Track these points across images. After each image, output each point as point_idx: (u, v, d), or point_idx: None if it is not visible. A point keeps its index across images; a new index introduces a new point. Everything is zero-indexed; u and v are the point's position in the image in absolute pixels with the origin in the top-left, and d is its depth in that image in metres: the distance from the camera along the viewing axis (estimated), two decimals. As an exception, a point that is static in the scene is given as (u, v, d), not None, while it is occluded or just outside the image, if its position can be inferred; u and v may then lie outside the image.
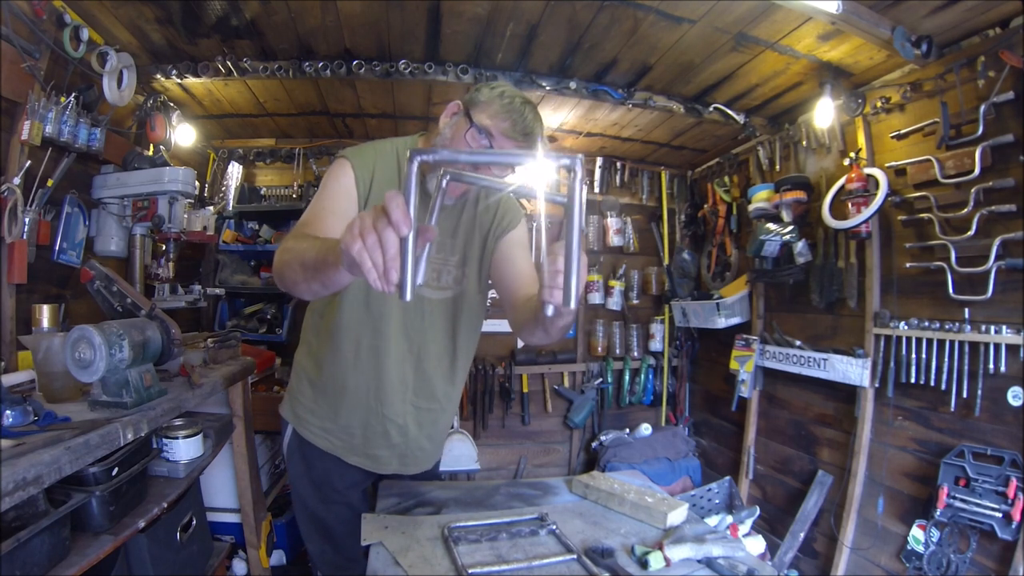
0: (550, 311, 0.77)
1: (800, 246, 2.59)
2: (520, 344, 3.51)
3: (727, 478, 3.03)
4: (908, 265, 2.14)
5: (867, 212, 2.18)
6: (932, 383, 2.01)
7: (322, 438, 1.39)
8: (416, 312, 1.31)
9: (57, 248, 1.93)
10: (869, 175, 2.22)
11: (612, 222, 3.59)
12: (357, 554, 1.36)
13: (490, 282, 1.41)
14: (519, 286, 1.28)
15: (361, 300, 1.28)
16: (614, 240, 3.59)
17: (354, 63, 2.35)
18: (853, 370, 2.32)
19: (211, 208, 3.00)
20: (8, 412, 1.06)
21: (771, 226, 2.65)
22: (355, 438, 1.38)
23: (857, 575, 2.29)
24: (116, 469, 1.26)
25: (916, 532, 2.04)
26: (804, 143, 2.70)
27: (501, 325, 3.12)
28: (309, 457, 1.41)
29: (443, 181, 0.80)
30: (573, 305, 0.68)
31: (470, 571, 0.95)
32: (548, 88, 2.50)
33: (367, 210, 0.67)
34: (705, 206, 3.51)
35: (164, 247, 2.46)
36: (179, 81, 2.40)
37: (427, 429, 1.42)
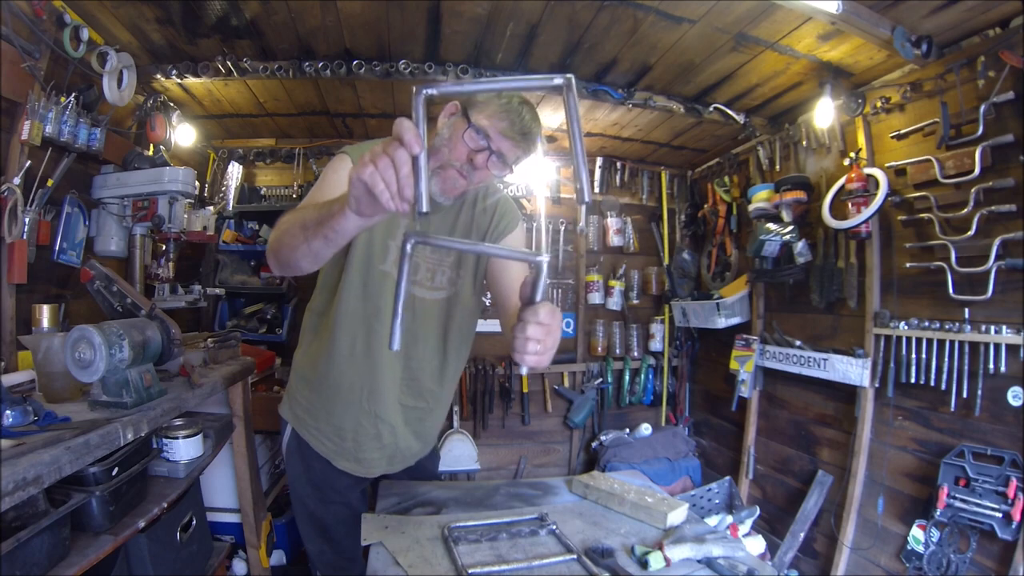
0: (524, 371, 0.80)
1: (800, 246, 2.59)
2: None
3: (727, 478, 3.03)
4: (908, 265, 2.14)
5: (867, 212, 2.18)
6: (932, 383, 2.01)
7: (316, 439, 1.39)
8: (407, 311, 1.31)
9: (57, 248, 1.93)
10: (869, 175, 2.22)
11: (612, 222, 3.59)
12: (356, 554, 1.37)
13: (484, 282, 1.41)
14: (512, 292, 1.25)
15: (358, 297, 1.28)
16: (614, 240, 3.59)
17: (354, 63, 2.35)
18: (853, 370, 2.32)
19: (211, 208, 3.00)
20: (8, 412, 1.06)
21: (771, 226, 2.65)
22: (346, 441, 1.37)
23: (857, 575, 2.29)
24: (116, 469, 1.26)
25: (916, 532, 2.04)
26: (804, 143, 2.70)
27: (501, 325, 3.14)
28: (308, 457, 1.41)
29: (407, 245, 0.75)
30: (587, 199, 0.70)
31: (470, 571, 0.95)
32: (548, 88, 2.49)
33: (405, 122, 0.67)
34: (705, 206, 3.51)
35: (164, 247, 2.46)
36: (179, 81, 2.40)
37: (414, 427, 1.42)
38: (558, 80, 0.68)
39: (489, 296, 1.42)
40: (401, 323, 0.75)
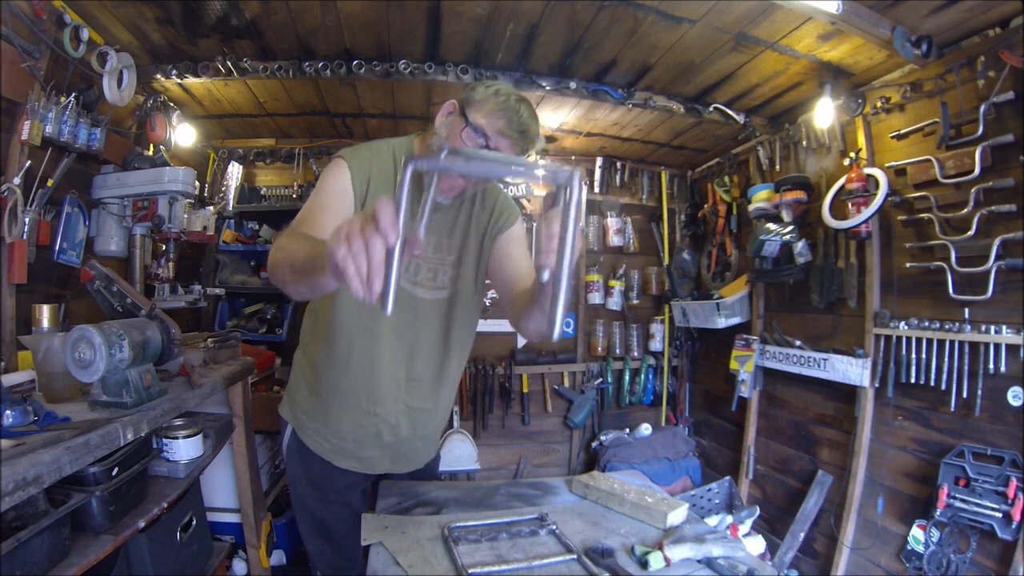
0: (545, 276, 0.75)
1: (800, 246, 2.59)
2: (520, 344, 3.51)
3: (727, 478, 3.03)
4: (908, 265, 2.14)
5: (867, 212, 2.18)
6: (932, 383, 2.01)
7: (315, 440, 1.39)
8: (409, 312, 1.31)
9: (57, 248, 1.93)
10: (869, 175, 2.22)
11: (612, 222, 3.59)
12: (356, 554, 1.37)
13: (488, 281, 1.41)
14: (517, 281, 1.27)
15: (355, 300, 1.28)
16: (614, 240, 3.59)
17: (354, 63, 2.35)
18: (853, 370, 2.32)
19: (211, 208, 2.99)
20: (8, 412, 1.05)
21: (771, 226, 2.65)
22: (346, 441, 1.37)
23: (857, 575, 2.29)
24: (116, 469, 1.26)
25: (916, 532, 2.04)
26: (804, 143, 2.70)
27: (501, 325, 3.15)
28: (308, 457, 1.41)
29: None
30: (555, 335, 0.67)
31: (470, 571, 0.95)
32: (548, 88, 2.50)
33: (358, 213, 0.64)
34: (705, 206, 3.51)
35: (164, 247, 2.46)
36: (179, 81, 2.40)
37: (420, 430, 1.42)
38: (563, 175, 0.64)
39: (495, 293, 1.42)
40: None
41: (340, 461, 1.39)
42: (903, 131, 2.17)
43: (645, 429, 3.45)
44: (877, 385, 2.27)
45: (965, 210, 1.90)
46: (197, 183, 2.42)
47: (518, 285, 1.25)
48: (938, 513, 1.92)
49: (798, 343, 2.67)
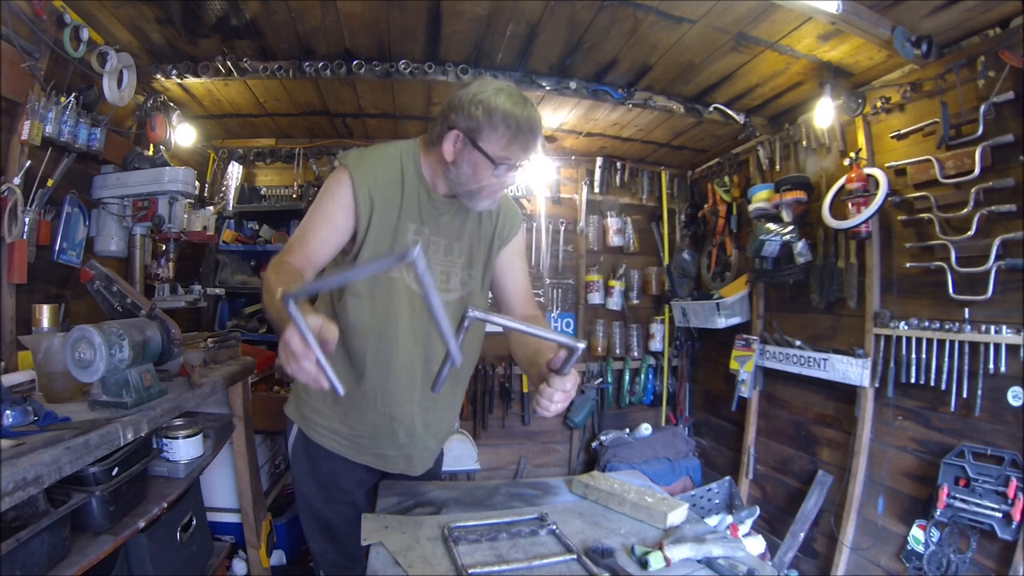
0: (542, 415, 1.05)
1: (800, 246, 2.59)
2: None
3: (727, 478, 3.03)
4: (908, 265, 2.14)
5: (867, 212, 2.18)
6: (932, 383, 2.01)
7: (329, 439, 1.39)
8: (423, 315, 1.32)
9: (57, 248, 1.93)
10: (869, 175, 2.22)
11: (612, 222, 3.59)
12: (359, 553, 1.37)
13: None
14: (515, 303, 1.42)
15: (367, 305, 1.29)
16: (614, 240, 3.59)
17: (354, 63, 2.36)
18: (853, 370, 2.32)
19: (211, 208, 2.99)
20: (8, 412, 1.05)
21: (771, 226, 2.65)
22: (363, 439, 1.38)
23: (857, 575, 2.29)
24: (116, 469, 1.26)
25: (916, 532, 2.04)
26: (804, 143, 2.70)
27: (501, 325, 3.13)
28: (314, 457, 1.41)
29: (466, 321, 0.95)
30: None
31: (470, 571, 0.95)
32: (548, 88, 2.50)
33: (289, 333, 0.83)
34: (705, 206, 3.51)
35: (164, 247, 2.46)
36: (179, 81, 2.40)
37: (433, 429, 1.43)
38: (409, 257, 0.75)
39: (491, 297, 1.45)
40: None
41: (358, 457, 1.39)
42: (903, 131, 2.17)
43: (645, 429, 3.45)
44: (877, 385, 2.27)
45: (965, 210, 1.90)
46: (197, 183, 2.41)
47: (516, 307, 1.42)
48: (938, 513, 1.92)
49: (798, 343, 2.67)
